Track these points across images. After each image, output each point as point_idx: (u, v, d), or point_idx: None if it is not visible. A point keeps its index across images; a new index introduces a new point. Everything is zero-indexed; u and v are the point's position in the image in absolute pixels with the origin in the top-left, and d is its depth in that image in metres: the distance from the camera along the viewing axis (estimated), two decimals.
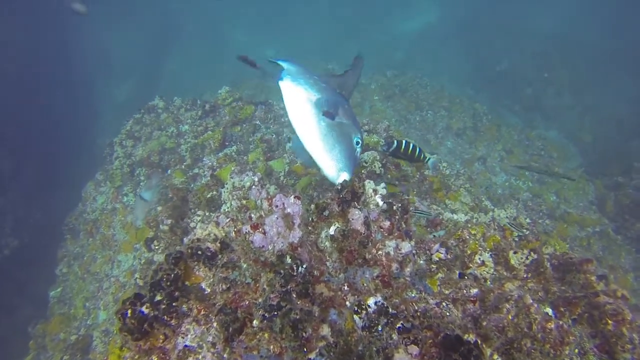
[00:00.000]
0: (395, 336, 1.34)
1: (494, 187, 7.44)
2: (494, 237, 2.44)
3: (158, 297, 1.46)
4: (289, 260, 1.49)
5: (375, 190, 2.03)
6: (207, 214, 3.34)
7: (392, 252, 1.72)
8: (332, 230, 1.72)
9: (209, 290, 1.57)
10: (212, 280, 1.58)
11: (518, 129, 8.99)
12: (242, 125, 5.21)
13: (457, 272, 2.02)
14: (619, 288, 2.19)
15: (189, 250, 1.63)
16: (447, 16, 16.07)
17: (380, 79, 10.66)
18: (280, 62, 2.80)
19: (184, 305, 1.50)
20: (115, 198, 6.29)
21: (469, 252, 2.33)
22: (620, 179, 8.00)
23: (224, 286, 1.54)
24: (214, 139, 5.12)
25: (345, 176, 2.28)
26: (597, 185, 7.82)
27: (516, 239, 3.21)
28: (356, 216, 1.70)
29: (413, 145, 2.99)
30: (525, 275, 2.35)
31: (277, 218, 1.64)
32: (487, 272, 2.29)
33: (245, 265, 1.61)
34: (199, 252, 1.62)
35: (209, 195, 3.42)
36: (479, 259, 2.30)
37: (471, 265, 2.33)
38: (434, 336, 1.30)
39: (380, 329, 1.41)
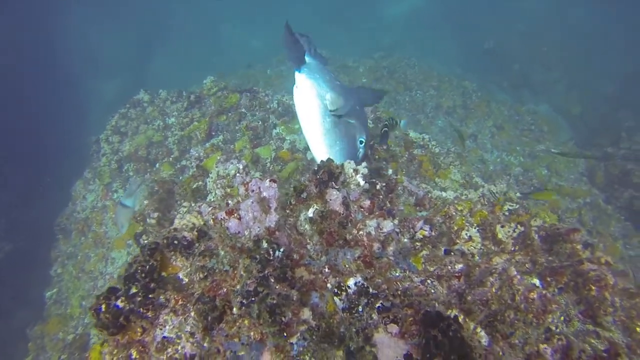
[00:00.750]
0: (375, 316, 1.32)
1: (486, 163, 7.43)
2: (480, 212, 2.42)
3: (133, 290, 1.42)
4: (265, 244, 1.46)
5: (356, 170, 1.99)
6: (192, 204, 3.30)
7: (373, 232, 1.69)
8: (310, 212, 1.69)
9: (186, 280, 1.54)
10: (189, 269, 1.55)
11: (507, 105, 8.95)
12: (228, 114, 5.12)
13: (443, 248, 2.00)
14: (604, 255, 2.19)
15: (165, 241, 1.59)
16: None
17: (368, 61, 10.54)
18: (307, 57, 2.74)
19: (161, 297, 1.47)
20: (105, 195, 6.22)
21: (455, 228, 2.31)
22: (610, 149, 8.03)
23: (201, 275, 1.50)
24: (200, 129, 5.04)
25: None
26: (586, 155, 7.84)
27: (506, 213, 3.21)
28: (334, 197, 1.66)
29: (391, 118, 3.12)
30: (512, 248, 2.35)
31: (252, 202, 1.60)
32: (475, 247, 2.27)
33: (222, 253, 1.57)
34: (175, 242, 1.58)
35: (194, 186, 3.37)
36: (466, 234, 2.29)
37: (458, 241, 2.32)
38: (415, 314, 1.28)
39: (360, 309, 1.39)
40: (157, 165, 5.51)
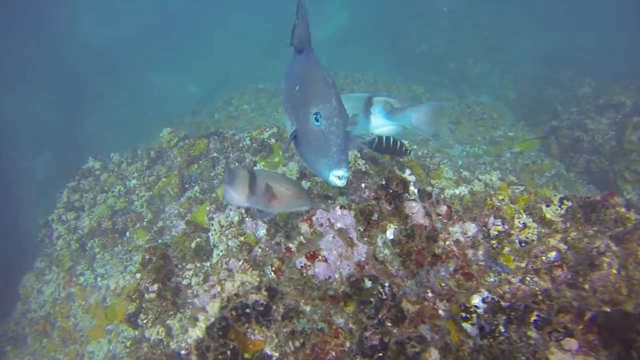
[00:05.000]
0: (533, 334, 1.09)
1: (454, 159, 7.63)
2: (522, 197, 2.33)
3: None
4: (369, 283, 1.18)
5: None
6: (199, 265, 2.87)
7: (461, 238, 1.48)
8: (389, 234, 1.44)
9: (277, 354, 1.20)
10: (276, 340, 1.21)
11: (456, 101, 9.41)
12: (199, 162, 4.73)
13: (517, 240, 1.84)
14: None
15: (233, 312, 1.25)
16: (358, 15, 16.67)
17: None
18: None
19: None
20: (69, 282, 5.39)
21: (507, 218, 2.18)
22: (554, 122, 8.68)
23: (296, 343, 1.18)
24: (171, 184, 4.59)
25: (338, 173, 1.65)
26: (538, 134, 8.38)
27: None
28: (415, 209, 1.44)
29: (393, 139, 2.73)
30: (564, 226, 2.26)
31: (333, 238, 1.32)
32: (533, 234, 2.15)
33: (309, 308, 1.26)
34: (247, 310, 1.24)
35: (193, 245, 2.96)
36: (519, 222, 2.16)
37: (513, 231, 2.18)
38: (577, 319, 1.07)
39: (503, 329, 1.15)
40: (128, 234, 4.91)
